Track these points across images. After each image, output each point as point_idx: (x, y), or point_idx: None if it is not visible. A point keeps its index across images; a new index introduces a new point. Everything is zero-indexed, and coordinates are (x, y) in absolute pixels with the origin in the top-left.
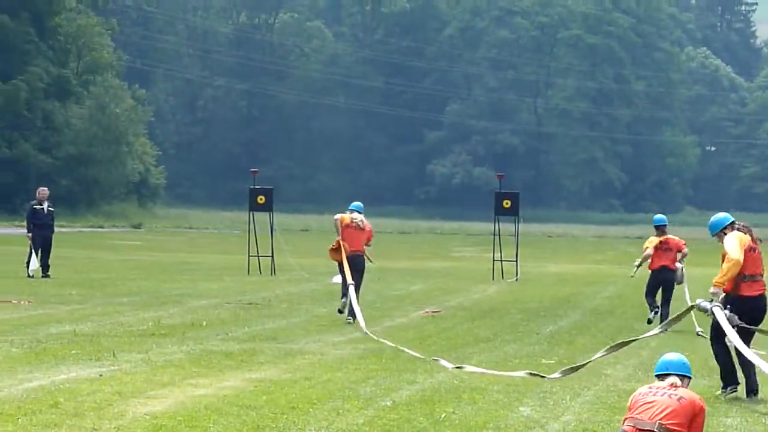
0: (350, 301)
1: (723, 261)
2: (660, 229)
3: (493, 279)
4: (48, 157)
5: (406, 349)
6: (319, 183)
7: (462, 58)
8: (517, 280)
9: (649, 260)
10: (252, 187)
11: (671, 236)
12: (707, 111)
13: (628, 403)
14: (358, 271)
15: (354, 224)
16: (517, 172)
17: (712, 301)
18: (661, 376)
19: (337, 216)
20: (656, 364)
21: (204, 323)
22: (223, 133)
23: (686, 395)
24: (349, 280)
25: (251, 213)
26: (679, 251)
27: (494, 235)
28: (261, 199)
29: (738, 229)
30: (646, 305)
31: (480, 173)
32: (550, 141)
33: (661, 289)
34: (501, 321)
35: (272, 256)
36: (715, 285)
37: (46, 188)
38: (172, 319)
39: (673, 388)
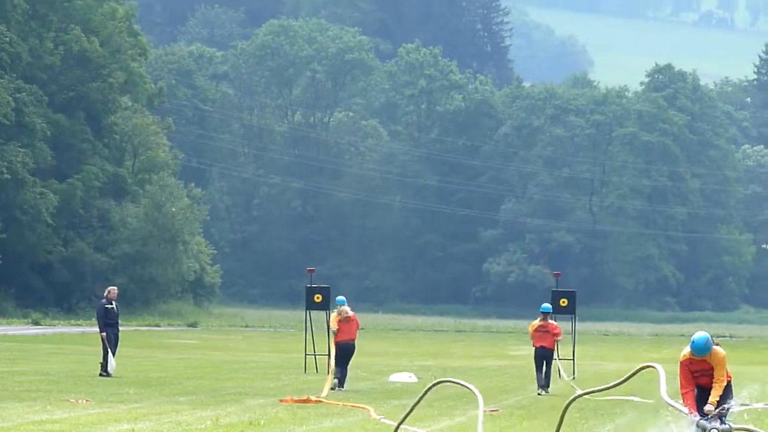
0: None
1: (715, 377)
2: (543, 315)
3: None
4: (104, 256)
5: None
6: (374, 281)
7: (517, 157)
8: (574, 378)
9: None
10: (309, 285)
11: (551, 322)
12: (763, 209)
13: None
14: (350, 353)
15: (344, 317)
16: (572, 270)
17: (708, 418)
18: None
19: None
20: None
21: (262, 422)
22: (279, 231)
23: None
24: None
25: (308, 311)
26: (554, 334)
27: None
28: (318, 298)
29: (717, 344)
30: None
31: (535, 271)
32: (605, 239)
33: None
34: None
35: (329, 355)
36: (712, 404)
37: (115, 287)
38: (230, 418)
39: None
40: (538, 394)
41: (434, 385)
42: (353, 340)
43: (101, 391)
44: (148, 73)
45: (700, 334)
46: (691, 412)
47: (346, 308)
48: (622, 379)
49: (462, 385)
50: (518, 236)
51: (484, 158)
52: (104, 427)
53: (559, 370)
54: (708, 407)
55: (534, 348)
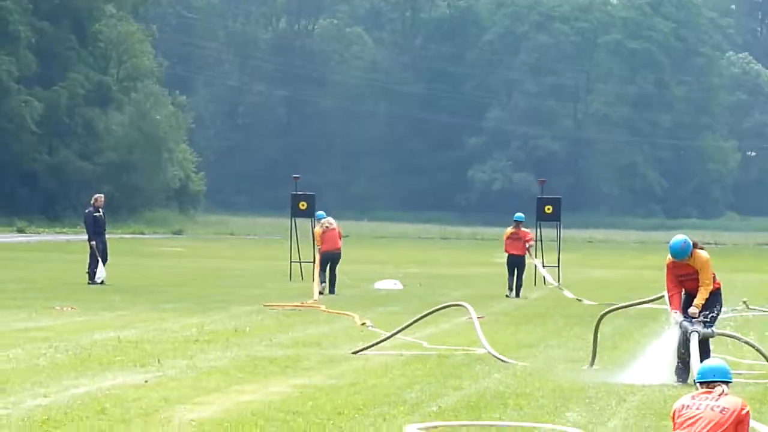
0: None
1: (700, 280)
2: (516, 224)
3: (535, 284)
4: (89, 164)
5: (495, 353)
6: (359, 189)
7: (502, 64)
8: (559, 285)
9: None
10: (294, 192)
11: (523, 229)
12: (748, 116)
13: (671, 413)
14: (336, 261)
15: (327, 228)
16: (557, 177)
17: (691, 320)
18: (703, 384)
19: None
20: (698, 371)
21: (248, 329)
22: (264, 139)
23: (729, 405)
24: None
25: (293, 219)
26: (526, 241)
27: (536, 240)
28: (303, 205)
29: (701, 247)
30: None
31: (520, 179)
32: (591, 146)
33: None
34: (545, 326)
35: (314, 263)
36: (696, 306)
37: (102, 195)
38: (216, 326)
39: (716, 398)
40: (506, 295)
41: (447, 306)
42: (338, 249)
43: (87, 298)
44: None
45: (678, 237)
46: (674, 311)
47: (329, 219)
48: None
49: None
50: (503, 144)
51: (468, 66)
52: (90, 335)
53: (544, 278)
54: (692, 309)
55: (506, 254)
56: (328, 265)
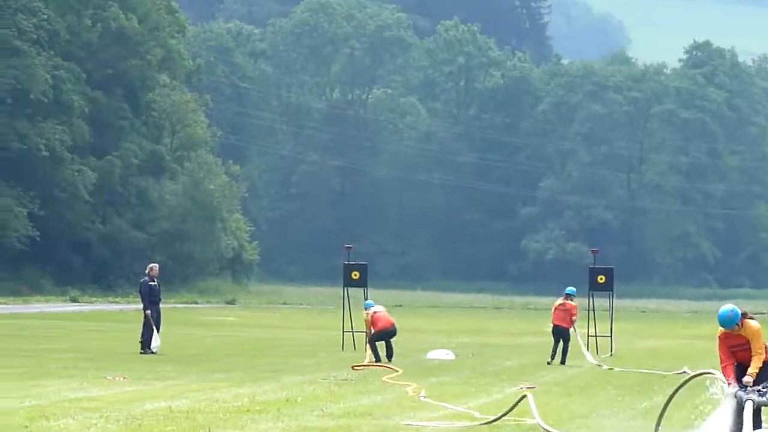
0: None
1: (752, 350)
2: (566, 296)
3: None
4: (142, 233)
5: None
6: (412, 258)
7: (556, 134)
8: (611, 355)
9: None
10: (346, 262)
11: (571, 302)
12: None
13: None
14: (391, 336)
15: (379, 314)
16: (610, 247)
17: (746, 389)
18: None
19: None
20: None
21: (299, 399)
22: (317, 208)
23: None
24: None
25: (345, 288)
26: (572, 315)
27: (589, 310)
28: (355, 275)
29: (752, 317)
30: None
31: (573, 248)
32: (644, 216)
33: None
34: (596, 396)
35: (366, 347)
36: (750, 375)
37: (156, 264)
38: (267, 395)
39: None
40: (548, 362)
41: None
42: (393, 324)
43: (138, 368)
44: (186, 50)
45: (726, 306)
46: (729, 383)
47: (376, 307)
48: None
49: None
50: (556, 213)
51: (522, 135)
52: (141, 404)
53: (585, 355)
54: (746, 378)
55: (552, 325)
56: (384, 341)
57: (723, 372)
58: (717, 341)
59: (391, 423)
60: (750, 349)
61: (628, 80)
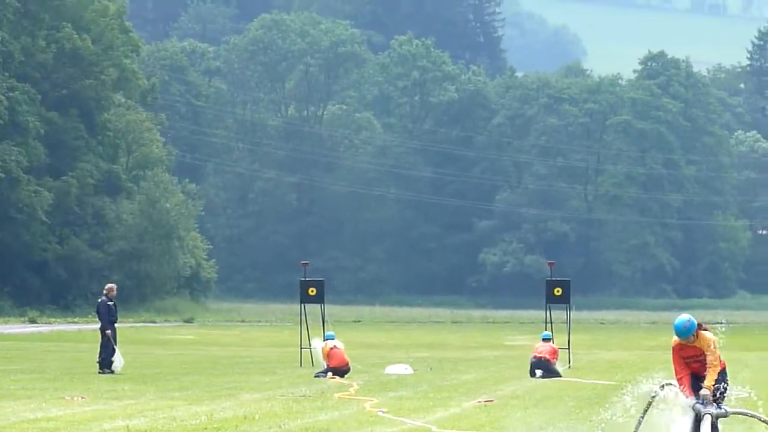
0: None
1: (708, 361)
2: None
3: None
4: (99, 253)
5: None
6: (369, 274)
7: (511, 146)
8: (570, 367)
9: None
10: (303, 279)
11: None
12: (758, 194)
13: None
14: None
15: (333, 347)
16: (568, 259)
17: (703, 402)
18: None
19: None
20: None
21: (257, 416)
22: (274, 225)
23: None
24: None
25: (302, 305)
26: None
27: (546, 322)
28: (312, 291)
29: (706, 329)
30: None
31: (531, 261)
32: (601, 227)
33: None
34: (554, 409)
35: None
36: (707, 389)
37: (114, 285)
38: (225, 413)
39: None
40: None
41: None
42: (347, 364)
43: (96, 388)
44: (141, 69)
45: (682, 317)
46: (687, 396)
47: (336, 342)
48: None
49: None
50: (514, 226)
51: (478, 149)
52: (99, 424)
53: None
54: (704, 391)
55: (532, 358)
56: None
57: (679, 383)
58: (671, 352)
59: None
60: (704, 360)
61: (584, 92)
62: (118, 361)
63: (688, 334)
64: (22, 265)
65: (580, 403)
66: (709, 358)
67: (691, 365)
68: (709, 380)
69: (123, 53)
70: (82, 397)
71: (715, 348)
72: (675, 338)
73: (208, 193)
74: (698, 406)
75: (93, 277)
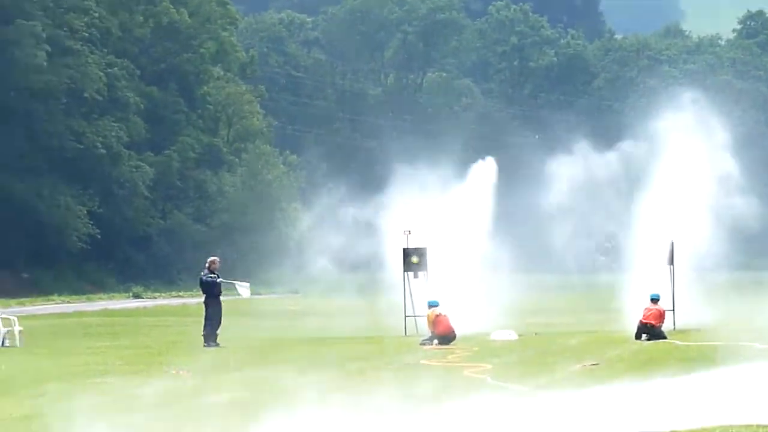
0: None
1: None
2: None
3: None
4: (203, 227)
5: None
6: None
7: (611, 109)
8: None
9: None
10: (405, 247)
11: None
12: None
13: None
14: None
15: (441, 316)
16: None
17: None
18: None
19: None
20: None
21: (363, 385)
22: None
23: None
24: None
25: (405, 273)
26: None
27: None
28: (415, 259)
29: None
30: None
31: None
32: None
33: None
34: (659, 371)
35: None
36: None
37: (217, 258)
38: (331, 383)
39: None
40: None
41: None
42: (453, 331)
43: (202, 361)
44: (239, 41)
45: None
46: None
47: (441, 309)
48: None
49: None
50: None
51: (578, 112)
52: (206, 397)
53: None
54: None
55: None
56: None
57: None
58: None
59: (454, 405)
60: None
61: (683, 53)
62: (243, 290)
63: None
64: (125, 241)
65: (685, 365)
66: None
67: None
68: None
69: (221, 26)
70: (187, 371)
71: None
72: None
73: (310, 163)
74: None
75: (197, 251)
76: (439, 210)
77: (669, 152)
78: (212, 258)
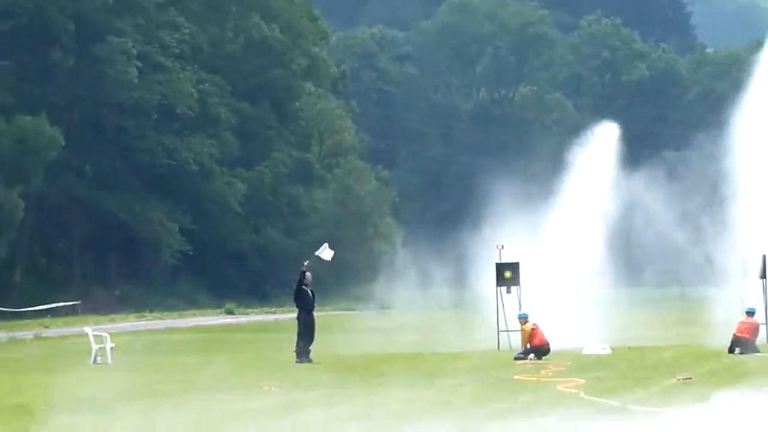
0: None
1: None
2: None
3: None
4: (295, 242)
5: None
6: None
7: (704, 123)
8: None
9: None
10: (498, 262)
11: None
12: None
13: None
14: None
15: (537, 330)
16: None
17: None
18: None
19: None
20: None
21: (454, 401)
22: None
23: None
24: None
25: (498, 288)
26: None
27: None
28: (507, 274)
29: None
30: None
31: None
32: None
33: None
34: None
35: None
36: None
37: (309, 273)
38: (422, 399)
39: None
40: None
41: None
42: (548, 344)
43: (295, 377)
44: (330, 57)
45: None
46: None
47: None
48: None
49: None
50: None
51: (671, 126)
52: (299, 413)
53: None
54: None
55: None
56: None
57: None
58: None
59: (547, 421)
60: None
61: None
62: (325, 253)
63: None
64: (217, 257)
65: None
66: None
67: None
68: None
69: (312, 41)
70: (280, 387)
71: None
72: None
73: (402, 178)
74: None
75: (289, 267)
76: (535, 223)
77: (759, 165)
78: (308, 273)
